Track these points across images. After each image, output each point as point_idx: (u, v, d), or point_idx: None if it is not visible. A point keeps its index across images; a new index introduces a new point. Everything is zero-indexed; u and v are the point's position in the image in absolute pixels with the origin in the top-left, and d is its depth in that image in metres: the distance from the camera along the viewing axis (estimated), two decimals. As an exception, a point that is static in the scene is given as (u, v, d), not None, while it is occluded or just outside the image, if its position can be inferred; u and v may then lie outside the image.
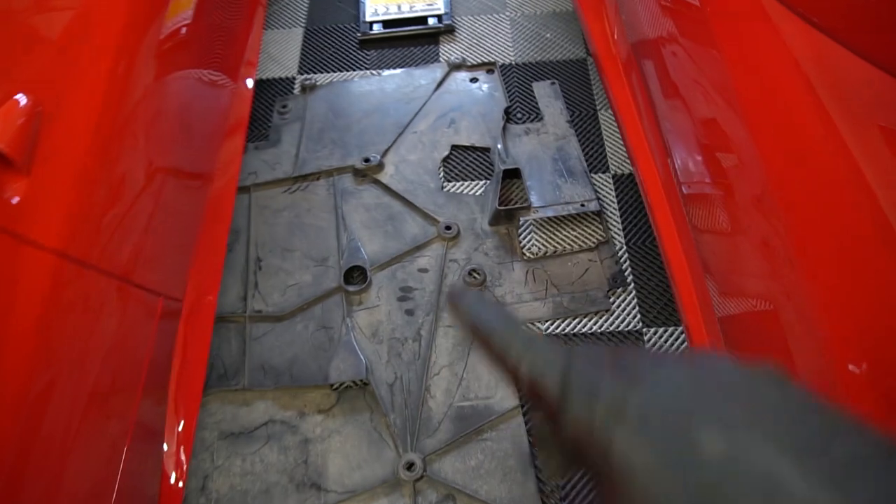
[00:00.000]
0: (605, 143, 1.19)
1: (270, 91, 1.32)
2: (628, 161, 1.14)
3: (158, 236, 0.87)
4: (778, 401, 0.19)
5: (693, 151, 0.92)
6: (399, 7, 1.39)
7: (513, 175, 1.12)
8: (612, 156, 1.17)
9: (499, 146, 1.15)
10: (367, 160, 1.16)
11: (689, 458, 0.18)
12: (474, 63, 1.31)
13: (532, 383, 0.24)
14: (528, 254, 1.06)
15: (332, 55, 1.36)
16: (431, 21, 1.36)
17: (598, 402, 0.21)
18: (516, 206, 1.08)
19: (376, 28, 1.37)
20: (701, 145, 0.87)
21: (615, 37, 1.16)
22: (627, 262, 1.05)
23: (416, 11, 1.37)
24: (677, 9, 0.92)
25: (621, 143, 1.18)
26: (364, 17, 1.38)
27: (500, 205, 1.07)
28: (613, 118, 1.21)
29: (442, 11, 1.37)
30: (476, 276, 1.03)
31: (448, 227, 1.08)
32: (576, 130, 1.20)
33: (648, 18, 1.01)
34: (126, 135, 0.82)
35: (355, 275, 1.06)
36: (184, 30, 1.04)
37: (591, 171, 1.15)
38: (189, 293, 0.93)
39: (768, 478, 0.17)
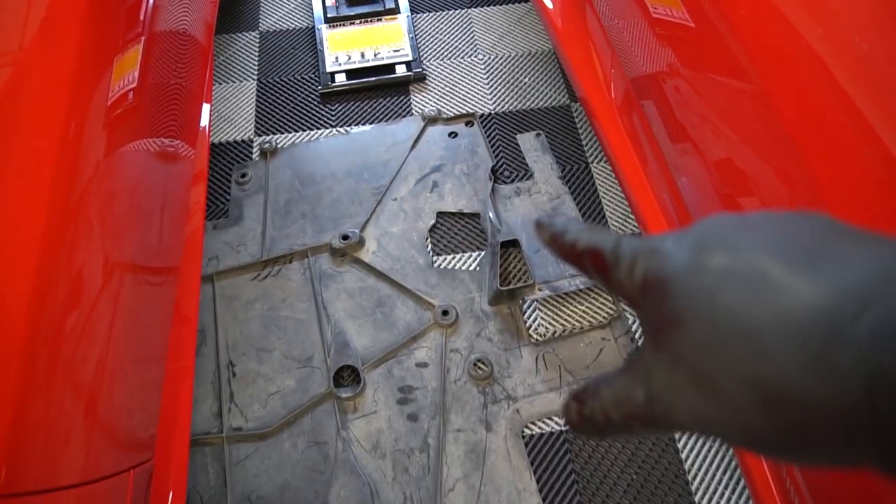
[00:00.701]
0: (602, 199, 1.10)
1: (226, 157, 1.17)
2: (632, 219, 1.06)
3: (120, 356, 0.73)
4: (793, 229, 0.22)
5: (718, 207, 0.83)
6: (362, 54, 1.26)
7: (510, 245, 1.02)
8: (611, 214, 1.09)
9: (490, 214, 1.05)
10: (345, 237, 1.04)
11: (696, 274, 0.22)
12: (451, 115, 1.20)
13: (590, 252, 0.27)
14: (535, 336, 0.96)
15: (291, 112, 1.22)
16: (400, 69, 1.25)
17: (641, 248, 0.25)
18: (519, 284, 0.98)
19: (339, 79, 1.24)
20: (732, 200, 0.79)
21: (608, 74, 1.07)
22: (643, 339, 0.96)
23: (382, 59, 1.25)
24: (700, 29, 0.82)
25: (621, 198, 1.10)
26: (324, 67, 1.25)
27: (501, 284, 0.97)
28: (611, 170, 1.12)
29: (410, 58, 1.26)
30: (482, 368, 0.93)
31: (445, 313, 0.97)
32: (570, 188, 1.11)
33: (656, 46, 0.92)
34: (77, 227, 0.68)
35: (346, 375, 0.94)
36: (131, 94, 0.90)
37: (591, 235, 1.06)
38: (161, 429, 0.79)
39: (757, 275, 0.20)
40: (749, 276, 0.21)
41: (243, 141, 1.19)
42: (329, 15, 1.31)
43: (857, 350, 0.18)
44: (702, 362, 0.21)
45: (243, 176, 1.14)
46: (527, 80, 1.25)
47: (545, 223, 0.29)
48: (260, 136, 1.19)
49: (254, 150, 1.18)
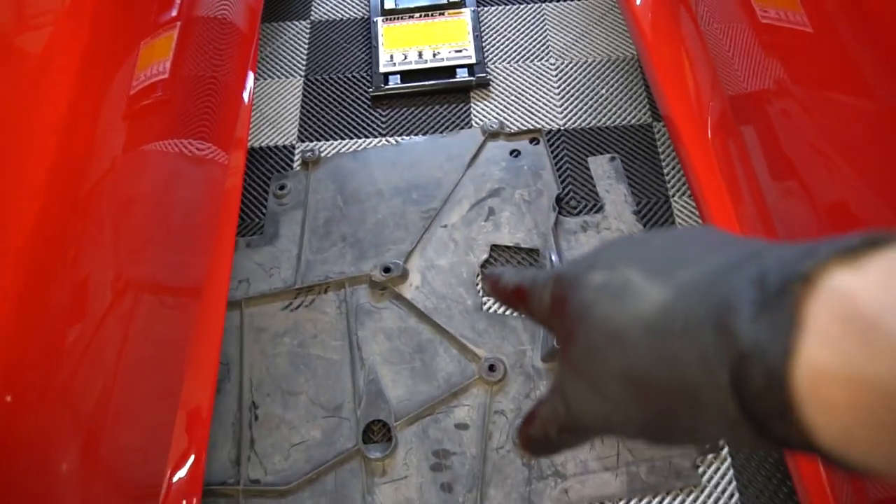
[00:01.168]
0: (682, 242, 0.95)
1: (265, 165, 1.07)
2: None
3: (127, 388, 0.65)
4: (671, 244, 0.25)
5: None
6: (420, 54, 1.13)
7: (571, 293, 0.89)
8: (691, 261, 0.94)
9: (552, 256, 0.92)
10: (387, 269, 0.93)
11: (580, 291, 0.25)
12: (514, 131, 1.07)
13: (516, 289, 0.31)
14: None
15: (338, 116, 1.11)
16: (461, 73, 1.11)
17: (549, 275, 0.29)
18: (579, 342, 0.85)
19: (392, 81, 1.12)
20: None
21: (701, 90, 0.91)
22: (720, 418, 0.83)
23: (441, 60, 1.12)
24: (821, 38, 0.67)
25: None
26: (377, 66, 1.13)
27: (557, 341, 0.85)
28: (695, 206, 0.97)
29: (473, 60, 1.12)
30: (529, 436, 0.82)
31: (492, 368, 0.86)
32: (644, 225, 0.97)
33: (763, 57, 0.76)
34: (83, 233, 0.60)
35: (376, 430, 0.84)
36: (158, 86, 0.81)
37: (667, 285, 0.92)
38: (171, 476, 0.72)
39: (624, 285, 0.24)
40: (618, 287, 0.24)
41: (285, 147, 1.09)
42: (386, 6, 1.18)
43: (689, 335, 0.21)
44: (588, 367, 0.24)
45: (282, 188, 1.04)
46: (604, 91, 1.10)
47: (486, 273, 0.34)
48: (303, 141, 1.09)
49: (295, 158, 1.08)
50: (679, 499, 0.79)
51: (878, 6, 0.59)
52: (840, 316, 0.18)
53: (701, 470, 0.80)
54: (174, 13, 0.86)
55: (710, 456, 0.81)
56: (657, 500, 0.79)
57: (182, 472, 0.71)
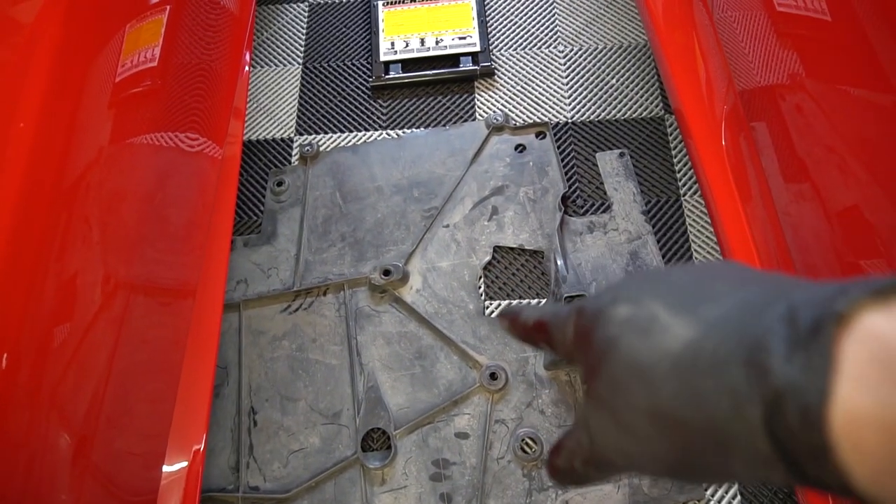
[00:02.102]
0: (692, 244, 0.92)
1: (262, 159, 1.04)
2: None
3: (119, 392, 0.64)
4: (695, 278, 0.25)
5: (834, 271, 0.66)
6: (422, 41, 1.08)
7: (576, 299, 0.87)
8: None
9: (558, 261, 0.89)
10: (386, 272, 0.91)
11: (605, 326, 0.25)
12: (520, 124, 1.02)
13: (537, 325, 0.31)
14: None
15: (337, 107, 1.07)
16: (464, 62, 1.07)
17: (572, 309, 0.29)
18: (583, 352, 0.83)
19: (393, 70, 1.07)
20: (855, 266, 0.62)
21: (713, 82, 0.87)
22: (726, 429, 0.81)
23: (445, 48, 1.07)
24: (841, 29, 0.63)
25: (715, 242, 0.91)
26: (377, 54, 1.08)
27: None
28: (705, 208, 0.94)
29: (478, 48, 1.07)
30: (531, 446, 0.81)
31: (493, 376, 0.84)
32: (653, 226, 0.93)
33: (778, 49, 0.73)
34: (68, 229, 0.59)
35: (376, 438, 0.83)
36: (145, 74, 0.78)
37: (675, 290, 0.89)
38: (167, 482, 0.72)
39: (650, 320, 0.24)
40: (644, 322, 0.24)
41: (282, 140, 1.06)
42: (387, -11, 1.13)
43: (719, 375, 0.21)
44: (613, 401, 0.24)
45: (279, 184, 1.01)
46: (614, 81, 1.05)
47: (503, 312, 0.34)
48: (301, 134, 1.06)
49: (293, 152, 1.04)
50: (682, 512, 0.78)
51: None
52: (876, 359, 0.17)
53: (705, 483, 0.79)
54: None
55: (714, 469, 0.79)
56: (659, 512, 0.78)
57: (179, 479, 0.71)
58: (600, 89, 1.05)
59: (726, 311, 0.22)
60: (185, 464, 0.70)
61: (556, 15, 1.12)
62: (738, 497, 0.78)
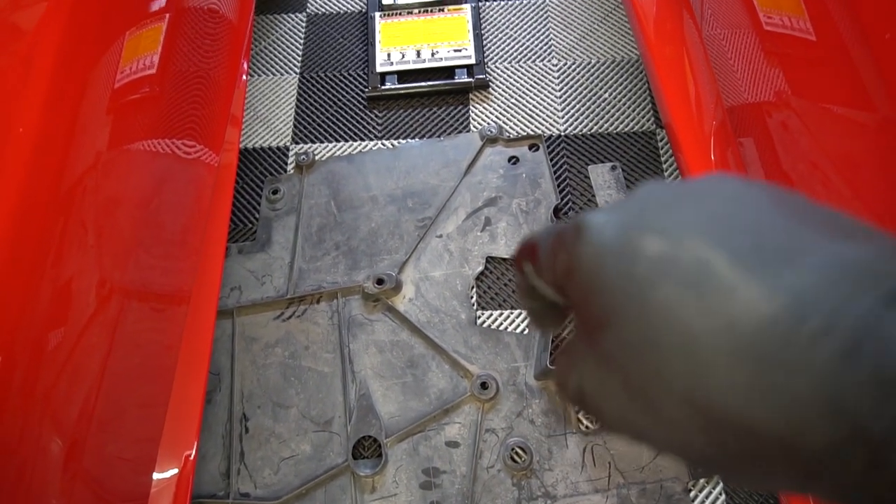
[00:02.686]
0: (682, 257, 0.93)
1: (258, 166, 1.05)
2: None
3: (112, 398, 0.65)
4: (750, 208, 0.19)
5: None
6: (418, 53, 1.10)
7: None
8: (690, 277, 0.92)
9: (549, 271, 0.90)
10: (380, 281, 0.91)
11: (628, 264, 0.19)
12: (514, 136, 1.04)
13: (528, 248, 0.24)
14: (585, 423, 0.83)
15: (334, 116, 1.09)
16: (459, 74, 1.08)
17: (568, 225, 0.22)
18: (573, 362, 0.84)
19: (389, 81, 1.09)
20: None
21: (702, 98, 0.89)
22: (713, 441, 0.82)
23: (440, 60, 1.09)
24: (825, 48, 0.65)
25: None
26: (374, 65, 1.10)
27: (551, 361, 0.84)
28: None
29: (473, 60, 1.08)
30: (520, 456, 0.81)
31: (484, 385, 0.85)
32: (644, 238, 0.94)
33: (764, 66, 0.74)
34: (64, 234, 0.60)
35: (367, 446, 0.84)
36: (144, 81, 0.79)
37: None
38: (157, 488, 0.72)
39: (699, 270, 0.17)
40: (689, 271, 0.18)
41: (279, 148, 1.07)
42: (384, 1, 1.14)
43: (815, 378, 0.15)
44: (635, 372, 0.19)
45: (275, 192, 1.02)
46: (606, 95, 1.07)
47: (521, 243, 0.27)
48: (297, 143, 1.07)
49: (289, 161, 1.05)
50: (669, 522, 0.79)
51: (882, 16, 0.56)
52: None
53: (693, 494, 0.80)
54: (162, 2, 0.84)
55: (702, 480, 0.80)
56: (647, 522, 0.79)
57: (170, 485, 0.71)
58: (593, 103, 1.06)
59: (818, 280, 0.16)
60: (175, 470, 0.71)
61: (550, 29, 1.14)
62: (723, 496, 0.79)
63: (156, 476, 0.70)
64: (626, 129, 1.04)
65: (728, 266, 0.17)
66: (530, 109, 1.07)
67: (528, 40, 1.14)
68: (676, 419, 0.18)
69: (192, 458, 0.73)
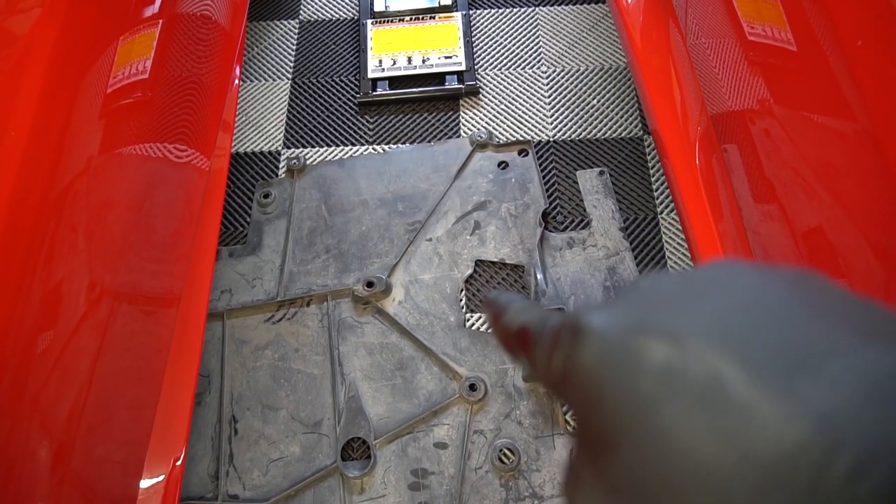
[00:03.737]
0: (668, 261, 0.95)
1: (250, 171, 1.06)
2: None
3: (101, 400, 0.65)
4: (764, 304, 0.16)
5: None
6: (409, 59, 1.11)
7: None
8: (676, 281, 0.94)
9: (538, 275, 0.91)
10: (369, 284, 0.92)
11: (631, 376, 0.16)
12: (503, 142, 1.05)
13: (520, 331, 0.23)
14: (573, 424, 0.84)
15: (325, 122, 1.10)
16: (450, 80, 1.09)
17: (565, 324, 0.19)
18: (560, 364, 0.85)
19: (380, 87, 1.10)
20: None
21: (687, 106, 0.91)
22: (699, 442, 0.83)
23: (431, 66, 1.10)
24: (805, 58, 0.66)
25: (691, 263, 0.94)
26: (366, 71, 1.11)
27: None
28: (680, 226, 0.97)
29: (463, 67, 1.10)
30: (508, 457, 0.82)
31: (473, 387, 0.85)
32: (631, 243, 0.96)
33: (747, 75, 0.76)
34: (55, 237, 0.60)
35: (356, 447, 0.84)
36: (137, 86, 0.80)
37: (651, 305, 0.91)
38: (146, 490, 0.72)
39: (710, 385, 0.15)
40: (698, 386, 0.15)
41: (270, 153, 1.07)
42: (376, 8, 1.15)
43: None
44: (640, 499, 0.16)
45: (266, 196, 1.03)
46: (595, 102, 1.08)
47: (489, 301, 0.26)
48: (289, 147, 1.08)
49: (281, 165, 1.06)
50: (655, 522, 0.79)
51: (858, 28, 0.58)
52: None
53: (677, 494, 0.81)
54: (156, 8, 0.85)
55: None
56: (633, 523, 0.79)
57: (158, 486, 0.71)
58: (581, 109, 1.08)
59: (849, 395, 0.14)
60: (164, 472, 0.71)
61: (539, 37, 1.16)
62: None
63: (144, 478, 0.70)
64: (613, 135, 1.05)
65: (743, 381, 0.15)
66: (520, 115, 1.08)
67: (517, 47, 1.15)
68: None
69: (180, 460, 0.73)
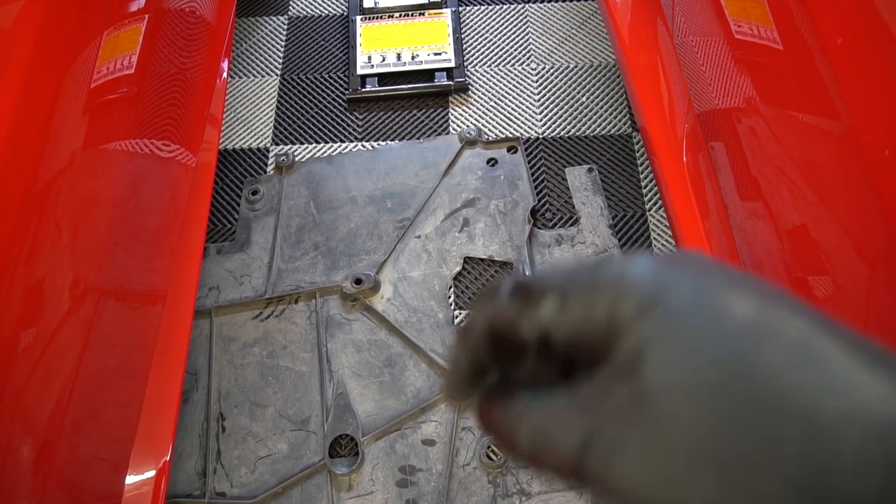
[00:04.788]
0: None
1: (238, 167, 1.05)
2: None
3: (85, 397, 0.65)
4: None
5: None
6: (398, 56, 1.11)
7: (542, 310, 0.89)
8: (664, 277, 0.94)
9: (526, 272, 0.91)
10: (358, 281, 0.92)
11: (714, 320, 0.16)
12: (492, 139, 1.05)
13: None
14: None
15: (314, 118, 1.09)
16: (439, 77, 1.09)
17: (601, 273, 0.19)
18: (548, 361, 0.85)
19: (370, 84, 1.10)
20: (803, 284, 0.65)
21: (674, 103, 0.91)
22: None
23: (420, 63, 1.10)
24: (791, 57, 0.67)
25: (676, 260, 0.94)
26: (355, 67, 1.11)
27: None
28: (668, 224, 0.97)
29: (452, 64, 1.10)
30: (495, 455, 0.82)
31: (461, 384, 0.85)
32: (619, 240, 0.96)
33: (734, 73, 0.76)
34: (38, 233, 0.60)
35: (344, 444, 0.84)
36: (122, 81, 0.79)
37: (639, 302, 0.92)
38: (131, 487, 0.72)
39: (804, 348, 0.16)
40: (796, 344, 0.16)
41: (258, 149, 1.07)
42: (365, 4, 1.15)
43: None
44: (719, 437, 0.16)
45: (254, 193, 1.02)
46: (584, 98, 1.08)
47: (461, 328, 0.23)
48: (277, 144, 1.07)
49: (269, 162, 1.06)
50: (642, 518, 0.80)
51: (840, 27, 0.58)
52: None
53: (664, 490, 0.81)
54: (141, 3, 0.84)
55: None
56: (620, 519, 0.80)
57: (145, 484, 0.71)
58: (571, 106, 1.08)
59: None
60: (151, 469, 0.71)
61: (529, 34, 1.16)
62: None
63: (130, 476, 0.70)
64: (602, 132, 1.05)
65: (843, 353, 0.16)
66: (509, 112, 1.08)
67: (507, 44, 1.15)
68: (768, 496, 0.15)
69: (167, 457, 0.73)
